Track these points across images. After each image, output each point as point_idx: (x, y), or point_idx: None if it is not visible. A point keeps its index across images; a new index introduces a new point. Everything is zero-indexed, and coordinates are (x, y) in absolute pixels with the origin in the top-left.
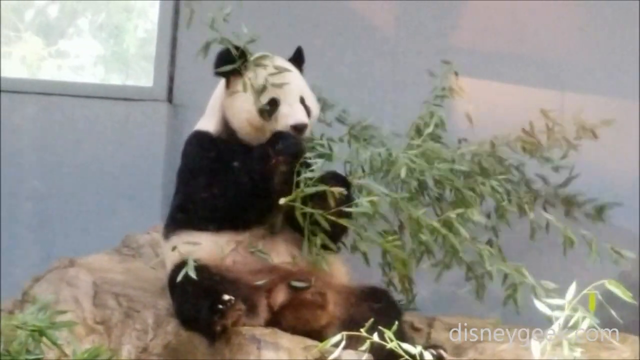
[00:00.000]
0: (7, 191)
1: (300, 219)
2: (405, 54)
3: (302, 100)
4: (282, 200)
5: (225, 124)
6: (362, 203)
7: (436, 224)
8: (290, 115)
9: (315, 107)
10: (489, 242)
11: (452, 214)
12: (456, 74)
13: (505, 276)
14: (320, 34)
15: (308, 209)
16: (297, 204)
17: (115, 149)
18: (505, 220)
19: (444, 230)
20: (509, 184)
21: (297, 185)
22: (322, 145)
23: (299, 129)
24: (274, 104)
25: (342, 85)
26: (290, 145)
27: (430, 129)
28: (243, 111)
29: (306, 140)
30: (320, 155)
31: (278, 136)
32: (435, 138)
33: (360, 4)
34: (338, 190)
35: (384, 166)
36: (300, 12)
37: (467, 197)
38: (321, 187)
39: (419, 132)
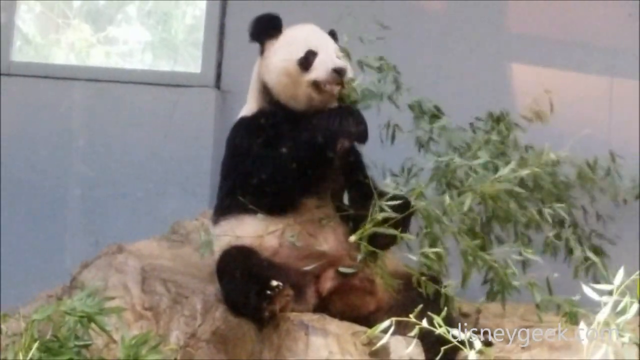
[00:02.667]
0: (57, 178)
1: (364, 250)
2: (456, 40)
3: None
4: (352, 238)
5: (265, 94)
6: (428, 254)
7: (489, 258)
8: (329, 61)
9: (349, 70)
10: None
11: (508, 249)
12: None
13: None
14: (363, 17)
15: (372, 249)
16: (363, 242)
17: (164, 135)
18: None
19: (496, 265)
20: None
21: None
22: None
23: (339, 71)
24: (311, 54)
25: None
26: (355, 124)
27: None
28: (280, 65)
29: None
30: (394, 198)
31: (339, 112)
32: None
33: None
34: (407, 237)
35: (446, 177)
36: None
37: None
38: (390, 231)
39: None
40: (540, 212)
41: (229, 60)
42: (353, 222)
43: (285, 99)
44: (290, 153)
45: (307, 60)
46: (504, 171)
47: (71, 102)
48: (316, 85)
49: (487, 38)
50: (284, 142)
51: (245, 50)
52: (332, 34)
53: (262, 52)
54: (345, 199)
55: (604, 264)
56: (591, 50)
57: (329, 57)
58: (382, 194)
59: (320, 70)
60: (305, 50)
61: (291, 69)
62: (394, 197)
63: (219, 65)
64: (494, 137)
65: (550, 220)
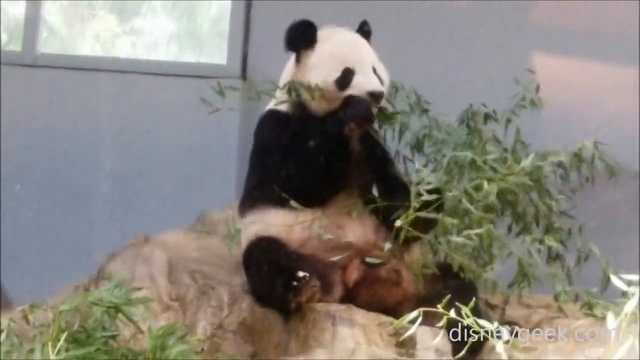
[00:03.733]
0: (84, 169)
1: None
2: (479, 28)
3: (374, 70)
4: (398, 223)
5: (297, 100)
6: (471, 236)
7: (513, 250)
8: (366, 83)
9: (385, 77)
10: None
11: (529, 239)
12: (538, 87)
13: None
14: (388, 10)
15: (416, 233)
16: (405, 226)
17: (190, 126)
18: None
19: (519, 256)
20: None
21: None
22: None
23: (377, 96)
24: (349, 73)
25: (413, 62)
26: (361, 109)
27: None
28: (317, 83)
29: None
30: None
31: (348, 101)
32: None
33: None
34: (450, 221)
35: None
36: None
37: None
38: (433, 215)
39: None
40: (545, 204)
41: (255, 52)
42: (383, 214)
43: (316, 110)
44: (311, 146)
45: (344, 80)
46: (527, 162)
47: (97, 94)
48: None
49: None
50: (308, 136)
51: (270, 41)
52: (365, 30)
53: (297, 60)
54: (375, 191)
55: (604, 257)
56: (617, 40)
57: (365, 78)
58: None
59: (357, 92)
60: (342, 69)
61: (328, 91)
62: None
63: (245, 57)
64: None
65: (557, 211)
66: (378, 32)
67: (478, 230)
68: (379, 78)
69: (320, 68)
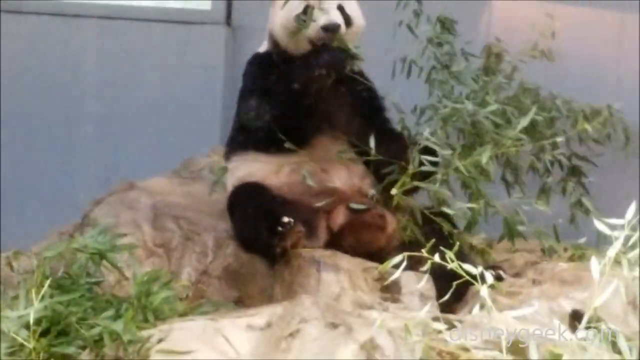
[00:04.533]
0: (68, 115)
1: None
2: None
3: (341, 8)
4: (393, 191)
5: (274, 41)
6: (462, 207)
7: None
8: (321, 17)
9: (358, 18)
10: None
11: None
12: (554, 33)
13: None
14: None
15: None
16: (399, 194)
17: (175, 71)
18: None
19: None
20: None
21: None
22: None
23: (330, 29)
24: (308, 8)
25: None
26: (328, 57)
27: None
28: (281, 20)
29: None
30: (427, 150)
31: (318, 51)
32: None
33: None
34: (444, 193)
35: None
36: None
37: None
38: (432, 187)
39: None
40: (540, 159)
41: None
42: (374, 166)
43: (288, 49)
44: (286, 90)
45: (302, 17)
46: (524, 123)
47: (81, 39)
48: (310, 42)
49: None
50: (285, 80)
51: None
52: None
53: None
54: (372, 144)
55: (596, 208)
56: None
57: (322, 14)
58: (413, 143)
59: (312, 27)
60: (303, 6)
61: (289, 25)
62: (427, 150)
63: (229, 2)
64: (501, 78)
65: (550, 167)
66: None
67: (470, 205)
68: (347, 15)
69: (287, 6)
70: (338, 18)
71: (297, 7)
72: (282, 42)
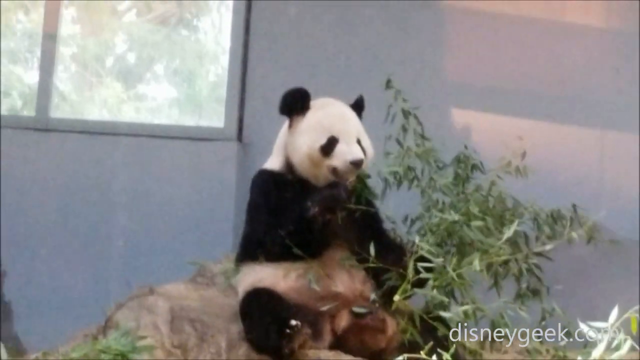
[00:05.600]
0: (93, 226)
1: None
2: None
3: (359, 141)
4: (396, 298)
5: (288, 162)
6: (457, 311)
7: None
8: (347, 152)
9: (370, 149)
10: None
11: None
12: (524, 153)
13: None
14: (326, 70)
15: (411, 308)
16: (403, 302)
17: (191, 183)
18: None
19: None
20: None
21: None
22: None
23: (356, 164)
24: (333, 141)
25: None
26: (327, 198)
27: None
28: (304, 148)
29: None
30: (422, 258)
31: (330, 186)
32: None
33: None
34: (442, 298)
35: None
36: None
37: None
38: (436, 295)
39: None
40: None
41: (250, 115)
42: (373, 271)
43: (305, 174)
44: (304, 211)
45: (328, 147)
46: (509, 233)
47: (105, 155)
48: (334, 171)
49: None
50: (302, 201)
51: (264, 106)
52: (358, 105)
53: (290, 124)
54: (372, 251)
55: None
56: (581, 104)
57: (348, 148)
58: (410, 251)
59: (339, 159)
60: (327, 137)
61: (314, 155)
62: (422, 258)
63: (241, 120)
64: (481, 194)
65: (525, 271)
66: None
67: (465, 308)
68: (362, 148)
69: (309, 134)
70: (360, 152)
71: (320, 138)
72: (299, 167)
